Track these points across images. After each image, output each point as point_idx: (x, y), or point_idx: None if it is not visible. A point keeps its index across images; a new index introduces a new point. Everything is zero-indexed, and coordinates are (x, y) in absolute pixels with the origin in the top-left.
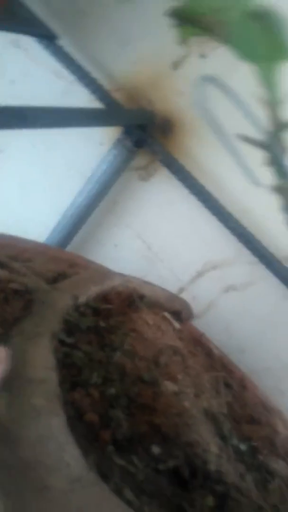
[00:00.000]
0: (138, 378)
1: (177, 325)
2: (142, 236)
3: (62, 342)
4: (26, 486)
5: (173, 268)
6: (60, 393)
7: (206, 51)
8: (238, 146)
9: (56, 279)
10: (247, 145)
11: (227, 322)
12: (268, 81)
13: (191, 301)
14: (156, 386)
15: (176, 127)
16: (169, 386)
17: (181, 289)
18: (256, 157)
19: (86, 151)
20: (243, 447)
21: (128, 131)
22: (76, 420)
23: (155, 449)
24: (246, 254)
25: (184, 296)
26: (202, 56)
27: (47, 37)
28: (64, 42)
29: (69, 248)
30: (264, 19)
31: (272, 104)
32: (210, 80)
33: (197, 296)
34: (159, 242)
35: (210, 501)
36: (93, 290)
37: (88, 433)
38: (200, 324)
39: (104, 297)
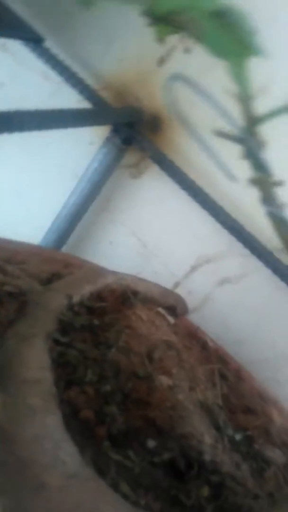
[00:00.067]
0: (133, 374)
1: (171, 320)
2: (136, 233)
3: (56, 342)
4: (23, 484)
5: (168, 264)
6: (56, 392)
7: (190, 46)
8: (213, 142)
9: (50, 280)
10: (223, 140)
11: (223, 315)
12: (239, 77)
13: (187, 295)
14: (150, 381)
15: (164, 123)
16: (163, 381)
17: (177, 284)
18: (233, 152)
19: (77, 151)
20: (238, 437)
21: (116, 129)
22: (72, 417)
23: (150, 443)
24: (238, 247)
25: (180, 290)
26: (187, 51)
27: (33, 40)
28: (50, 44)
29: (65, 248)
30: (225, 18)
31: (244, 99)
32: (181, 79)
33: (193, 291)
34: (153, 238)
35: (205, 491)
36: (87, 289)
37: (84, 430)
38: (196, 318)
39: (98, 295)
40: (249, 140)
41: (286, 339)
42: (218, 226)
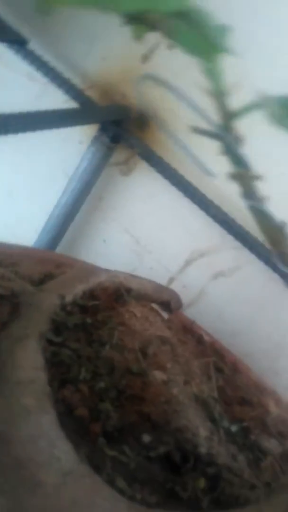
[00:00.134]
0: (127, 370)
1: (165, 315)
2: (129, 230)
3: (50, 342)
4: (19, 484)
5: (162, 259)
6: (50, 392)
7: (172, 44)
8: (190, 139)
9: (42, 280)
10: (201, 137)
11: (219, 308)
12: (212, 74)
13: (182, 290)
14: (144, 376)
15: (151, 120)
16: (157, 376)
17: (171, 279)
18: (211, 148)
19: (67, 151)
20: (234, 428)
21: (104, 128)
22: (67, 416)
23: (146, 438)
24: (230, 240)
25: (175, 285)
26: (170, 47)
27: (17, 42)
28: (34, 45)
29: (59, 248)
30: (190, 17)
31: (219, 95)
32: (151, 78)
33: (187, 285)
34: (146, 235)
35: (201, 483)
36: (80, 288)
37: (78, 427)
38: (192, 313)
39: (91, 294)
40: (226, 135)
41: (281, 330)
42: (209, 219)
